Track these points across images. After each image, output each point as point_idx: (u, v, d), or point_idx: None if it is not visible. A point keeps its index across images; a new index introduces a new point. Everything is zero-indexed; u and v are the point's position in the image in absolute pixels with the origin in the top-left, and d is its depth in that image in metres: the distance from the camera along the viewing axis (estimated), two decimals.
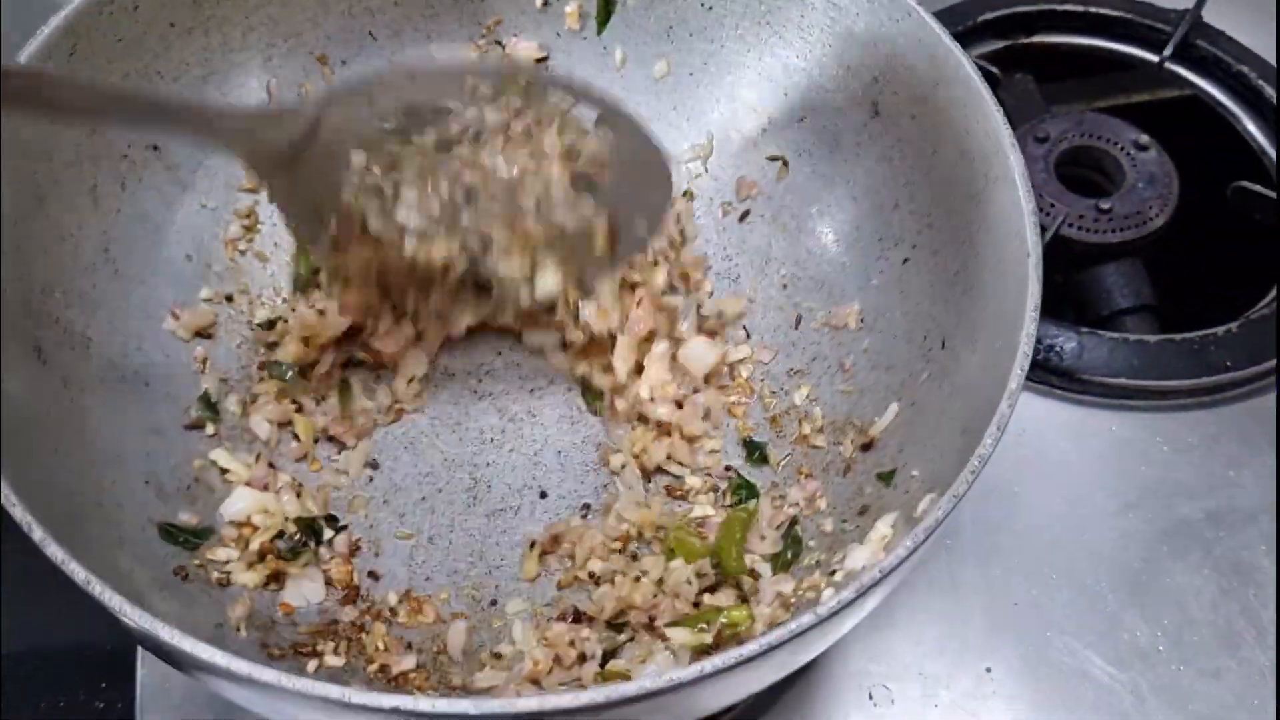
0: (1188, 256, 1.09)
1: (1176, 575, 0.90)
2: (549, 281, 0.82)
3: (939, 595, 0.89)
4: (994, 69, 1.14)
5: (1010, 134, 0.75)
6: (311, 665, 0.75)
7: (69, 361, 0.78)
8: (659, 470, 0.87)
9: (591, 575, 0.82)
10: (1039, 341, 0.97)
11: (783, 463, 0.87)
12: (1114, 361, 0.97)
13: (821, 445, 0.86)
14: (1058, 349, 0.97)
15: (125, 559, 0.71)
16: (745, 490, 0.85)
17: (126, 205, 0.84)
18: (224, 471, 0.83)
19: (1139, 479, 0.94)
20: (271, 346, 0.89)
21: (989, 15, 1.18)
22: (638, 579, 0.79)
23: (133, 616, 0.58)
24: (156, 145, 0.86)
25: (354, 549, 0.83)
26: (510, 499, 0.86)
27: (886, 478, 0.79)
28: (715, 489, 0.86)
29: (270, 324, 0.89)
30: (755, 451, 0.87)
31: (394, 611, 0.80)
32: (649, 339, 0.89)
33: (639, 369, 0.89)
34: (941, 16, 1.12)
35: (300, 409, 0.88)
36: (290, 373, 0.87)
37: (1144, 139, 1.09)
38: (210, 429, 0.85)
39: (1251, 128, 1.15)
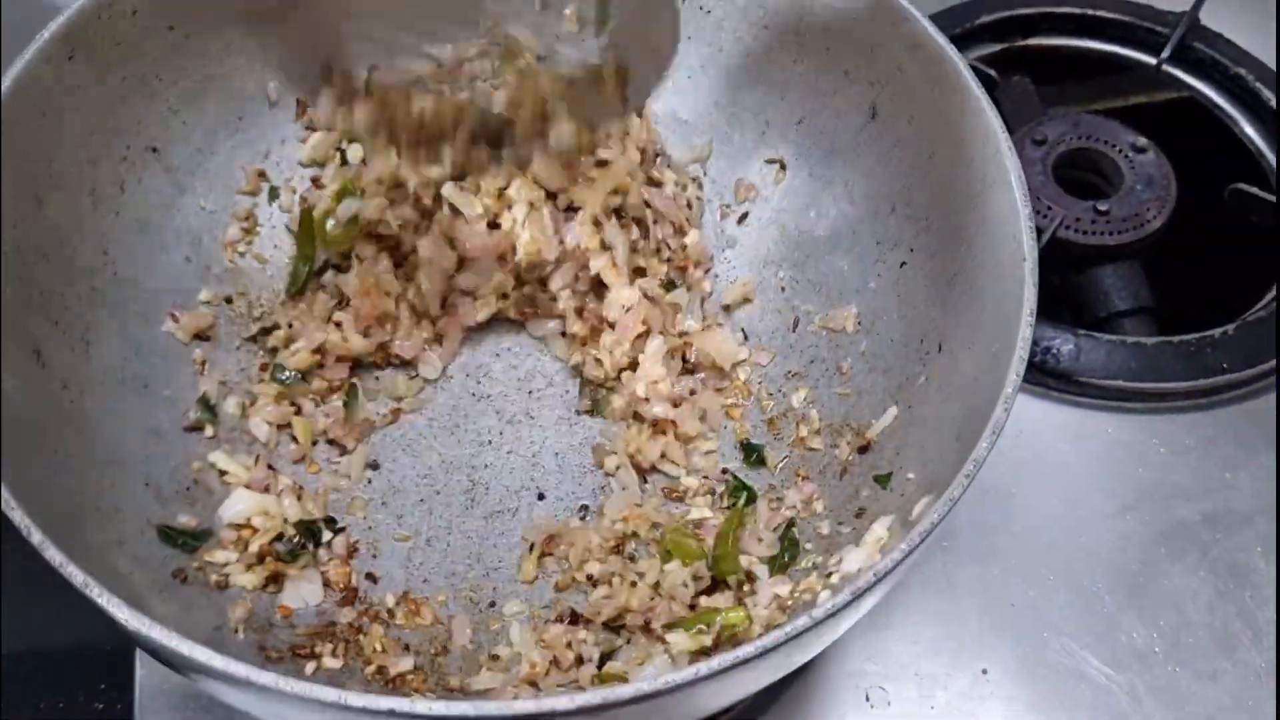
0: (1185, 259, 1.09)
1: (1173, 577, 0.90)
2: (563, 131, 0.78)
3: (936, 596, 0.89)
4: (992, 71, 1.14)
5: (1007, 138, 0.76)
6: (309, 667, 0.75)
7: (68, 363, 0.78)
8: (655, 471, 0.87)
9: (589, 578, 0.82)
10: (1036, 343, 0.97)
11: (780, 465, 0.87)
12: (1111, 364, 0.97)
13: (819, 448, 0.86)
14: (1055, 351, 0.97)
15: (124, 561, 0.72)
16: (742, 492, 0.85)
17: (126, 207, 0.85)
18: (223, 473, 0.83)
19: (1136, 481, 0.94)
20: (273, 351, 0.89)
21: (987, 18, 1.18)
22: (634, 583, 0.79)
23: (130, 620, 0.59)
24: (156, 147, 0.86)
25: (352, 551, 0.83)
26: (508, 501, 0.87)
27: (883, 480, 0.79)
28: (712, 491, 0.86)
29: (267, 330, 0.90)
30: (753, 454, 0.88)
31: (392, 613, 0.80)
32: (646, 335, 0.90)
33: (634, 365, 0.89)
34: (940, 19, 1.14)
35: (299, 411, 0.88)
36: (292, 375, 0.87)
37: (1142, 141, 1.09)
38: (209, 431, 0.85)
39: (1249, 130, 1.15)
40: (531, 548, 0.84)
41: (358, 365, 0.90)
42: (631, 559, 0.83)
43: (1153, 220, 1.05)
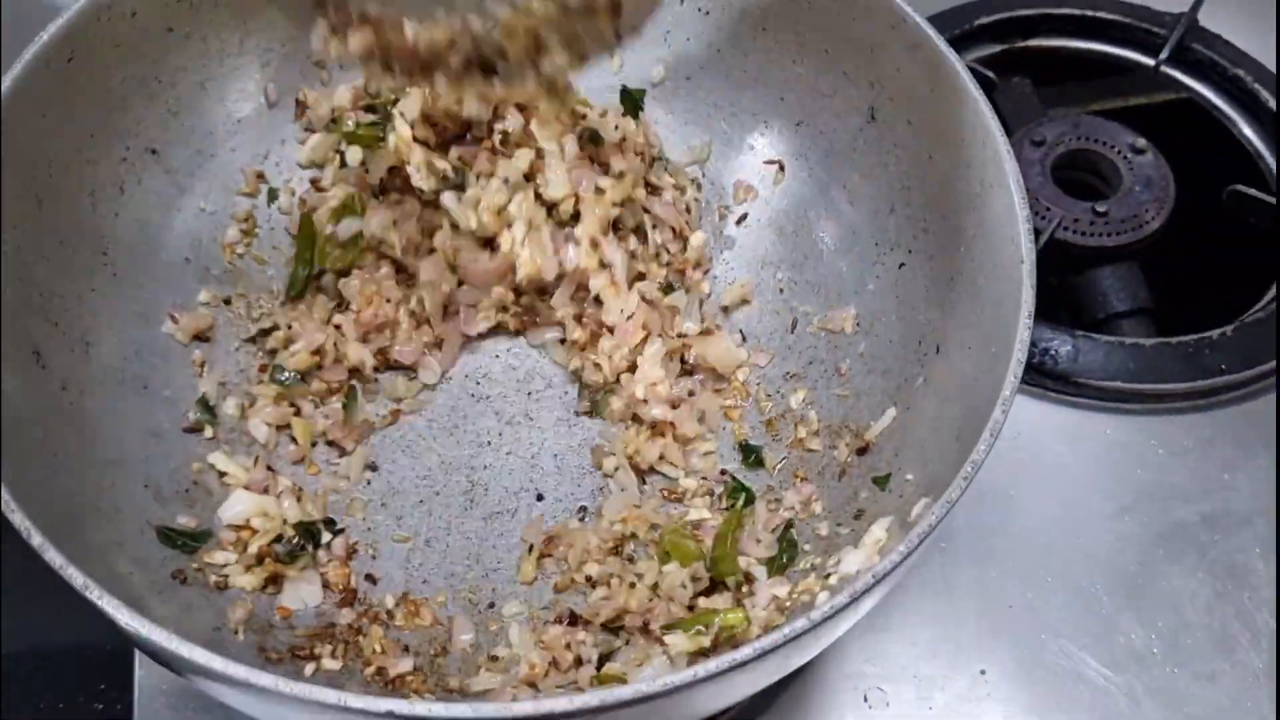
0: (1183, 260, 1.09)
1: (1171, 578, 0.90)
2: (556, 60, 0.78)
3: (934, 597, 0.89)
4: (991, 73, 1.14)
5: (1005, 140, 0.76)
6: (309, 668, 0.75)
7: (68, 365, 0.78)
8: (654, 472, 0.88)
9: (588, 579, 0.82)
10: (1034, 345, 0.97)
11: (778, 466, 0.87)
12: (1109, 365, 0.97)
13: (817, 449, 0.86)
14: (1053, 352, 0.98)
15: (123, 562, 0.72)
16: (741, 493, 0.85)
17: (125, 209, 0.85)
18: (222, 474, 0.83)
19: (1134, 482, 0.94)
20: (272, 352, 0.89)
21: (986, 19, 1.18)
22: (633, 584, 0.80)
23: (129, 621, 0.59)
24: (155, 149, 0.87)
25: (351, 552, 0.83)
26: (507, 502, 0.87)
27: (882, 482, 0.79)
28: (711, 492, 0.87)
29: (266, 332, 0.90)
30: (751, 455, 0.88)
31: (391, 614, 0.80)
32: (645, 338, 0.90)
33: (633, 368, 0.89)
34: (939, 20, 1.14)
35: (298, 412, 0.88)
36: (291, 376, 0.87)
37: (1140, 142, 1.09)
38: (209, 432, 0.85)
39: (1248, 131, 1.15)
40: (530, 549, 0.84)
41: (356, 372, 0.90)
42: (630, 560, 0.83)
43: (1151, 221, 1.06)
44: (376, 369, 0.90)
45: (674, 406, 0.88)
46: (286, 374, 0.87)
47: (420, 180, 0.88)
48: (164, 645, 0.58)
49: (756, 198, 0.95)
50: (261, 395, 0.87)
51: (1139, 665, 0.87)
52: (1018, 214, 0.73)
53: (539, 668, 0.76)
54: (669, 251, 0.93)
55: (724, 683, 0.60)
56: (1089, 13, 1.19)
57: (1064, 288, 1.08)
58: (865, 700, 0.85)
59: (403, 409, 0.90)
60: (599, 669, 0.77)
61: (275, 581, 0.80)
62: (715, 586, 0.80)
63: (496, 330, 0.93)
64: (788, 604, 0.75)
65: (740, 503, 0.85)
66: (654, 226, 0.92)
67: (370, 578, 0.83)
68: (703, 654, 0.74)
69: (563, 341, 0.92)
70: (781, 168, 0.94)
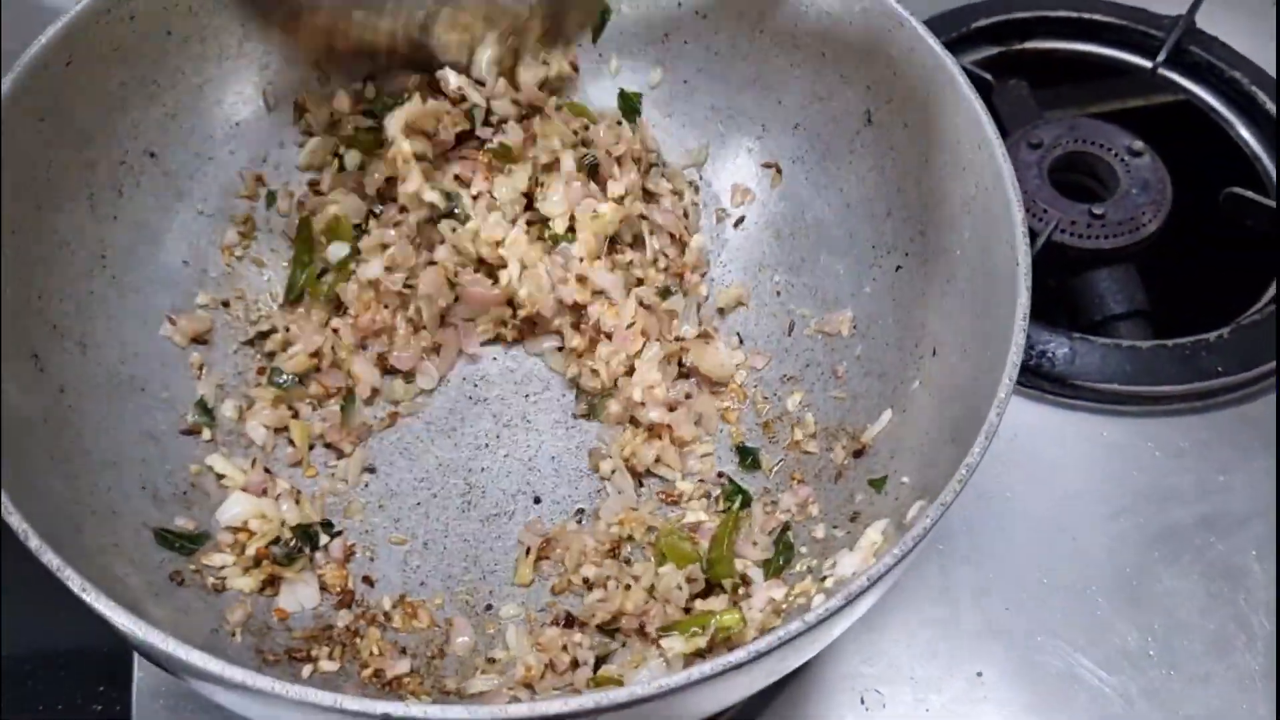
0: (1181, 262, 1.10)
1: (1167, 580, 0.90)
2: (486, 55, 0.86)
3: (931, 599, 0.89)
4: (988, 75, 1.14)
5: (1001, 144, 0.76)
6: (306, 670, 0.75)
7: (66, 367, 0.78)
8: (651, 475, 0.88)
9: (585, 581, 0.82)
10: (1032, 347, 0.97)
11: (775, 468, 0.87)
12: (1106, 367, 0.97)
13: (814, 451, 0.87)
14: (1050, 354, 0.98)
15: (121, 564, 0.72)
16: (737, 496, 0.85)
17: (124, 212, 0.85)
18: (220, 477, 0.84)
19: (1131, 484, 0.94)
20: (270, 355, 0.89)
21: (983, 22, 1.18)
22: (629, 586, 0.80)
23: (127, 624, 0.59)
24: (154, 152, 0.87)
25: (349, 554, 0.83)
26: (504, 504, 0.87)
27: (878, 484, 0.79)
28: (708, 494, 0.87)
29: (265, 334, 0.90)
30: (748, 457, 0.88)
31: (388, 616, 0.80)
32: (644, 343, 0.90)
33: (630, 371, 0.89)
34: (936, 23, 1.15)
35: (296, 414, 0.88)
36: (289, 379, 0.87)
37: (1137, 144, 1.10)
38: (206, 434, 0.85)
39: (1245, 133, 1.15)
40: (528, 551, 0.84)
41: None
42: (627, 562, 0.83)
43: (1148, 224, 1.06)
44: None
45: (671, 409, 0.88)
46: (284, 376, 0.88)
47: (416, 203, 0.88)
48: (161, 647, 0.58)
49: (753, 200, 0.95)
50: (259, 398, 0.87)
51: (1135, 667, 0.87)
52: (1014, 217, 0.73)
53: (535, 670, 0.76)
54: (666, 256, 0.93)
55: (720, 685, 0.60)
56: (1086, 15, 1.19)
57: (1061, 290, 1.08)
58: (862, 702, 0.85)
59: (400, 411, 0.90)
60: (595, 671, 0.77)
61: (273, 583, 0.80)
62: (712, 589, 0.80)
63: (495, 339, 0.94)
64: (784, 606, 0.75)
65: (737, 505, 0.85)
66: (651, 233, 0.92)
67: (368, 580, 0.83)
68: (699, 656, 0.74)
69: (560, 349, 0.92)
70: (779, 170, 0.94)
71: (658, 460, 0.87)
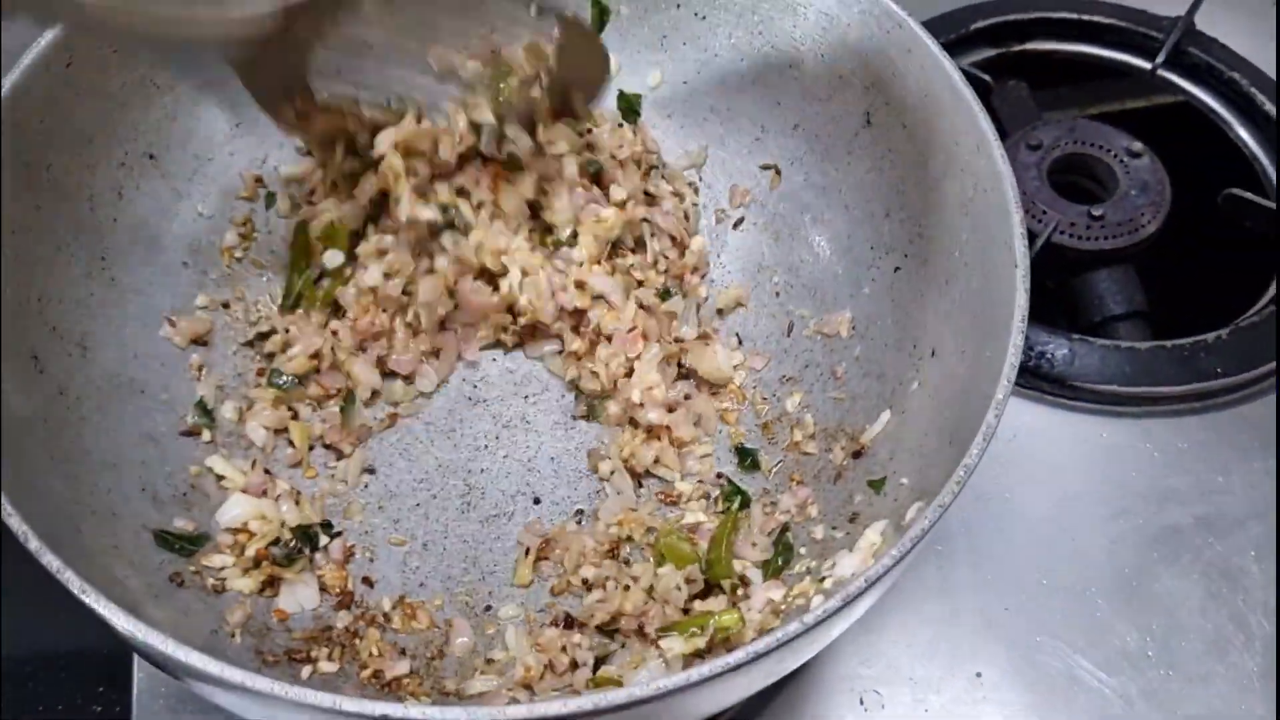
0: (1179, 263, 1.10)
1: (1166, 580, 0.90)
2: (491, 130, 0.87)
3: (930, 600, 0.89)
4: (987, 77, 1.14)
5: (999, 145, 0.76)
6: (305, 671, 0.75)
7: (66, 369, 0.78)
8: (650, 475, 0.88)
9: (584, 582, 0.82)
10: (1031, 348, 0.97)
11: (774, 469, 0.87)
12: (1105, 368, 0.97)
13: (813, 452, 0.87)
14: (1049, 355, 0.98)
15: (121, 566, 0.72)
16: (737, 497, 0.85)
17: (123, 214, 0.85)
18: (220, 478, 0.84)
19: (1130, 485, 0.94)
20: (270, 356, 0.89)
21: (982, 23, 1.18)
22: (628, 587, 0.80)
23: (126, 625, 0.59)
24: (153, 153, 0.87)
25: (348, 555, 0.83)
26: (504, 505, 0.87)
27: (877, 485, 0.79)
28: (707, 495, 0.87)
29: (264, 336, 0.90)
30: (747, 458, 0.88)
31: (388, 617, 0.81)
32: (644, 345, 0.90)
33: (630, 372, 0.89)
34: (935, 24, 1.15)
35: (296, 416, 0.88)
36: (289, 380, 0.88)
37: (1136, 146, 1.10)
38: (206, 436, 0.85)
39: (1243, 134, 1.15)
40: (527, 552, 0.84)
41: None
42: (626, 563, 0.83)
43: (1147, 225, 1.06)
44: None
45: (670, 410, 0.88)
46: (284, 378, 0.88)
47: (412, 221, 0.87)
48: (160, 648, 0.58)
49: (752, 202, 0.96)
50: (259, 399, 0.87)
51: (1134, 667, 0.87)
52: (1012, 218, 0.73)
53: (535, 670, 0.76)
54: (667, 258, 0.94)
55: (719, 685, 0.60)
56: (1086, 17, 1.19)
57: (1060, 291, 1.08)
58: (861, 703, 0.85)
59: (400, 413, 0.90)
60: (595, 672, 0.77)
61: (272, 584, 0.80)
62: (711, 589, 0.81)
63: (494, 344, 0.94)
64: (783, 607, 0.75)
65: (736, 506, 0.85)
66: (653, 235, 0.92)
67: (367, 580, 0.83)
68: (698, 657, 0.74)
69: (560, 353, 0.92)
70: (777, 172, 0.94)
71: (656, 461, 0.87)
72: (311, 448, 0.88)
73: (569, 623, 0.80)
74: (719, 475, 0.88)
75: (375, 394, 0.90)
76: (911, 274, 0.85)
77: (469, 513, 0.86)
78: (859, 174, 0.89)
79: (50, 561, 0.61)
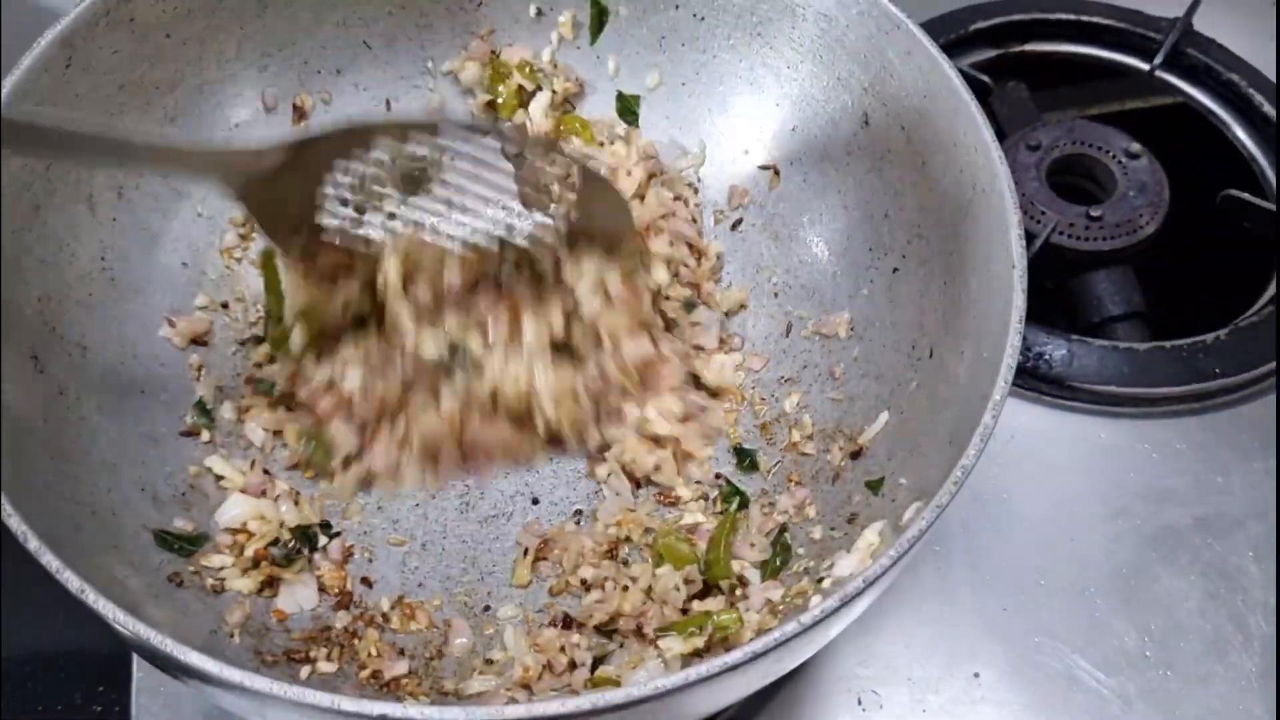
0: (1178, 264, 1.10)
1: (1165, 581, 0.91)
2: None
3: (928, 600, 0.89)
4: (986, 78, 1.14)
5: (998, 146, 0.76)
6: (304, 671, 0.76)
7: (66, 369, 0.79)
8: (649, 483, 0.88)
9: (583, 582, 0.82)
10: (1029, 348, 0.97)
11: (773, 470, 0.87)
12: (1104, 369, 0.98)
13: (811, 453, 0.87)
14: (1047, 356, 0.98)
15: (120, 566, 0.72)
16: (735, 497, 0.86)
17: (123, 214, 0.85)
18: (219, 478, 0.84)
19: (1128, 485, 0.95)
20: (258, 365, 0.89)
21: (981, 24, 1.18)
22: (626, 587, 0.80)
23: (126, 625, 0.59)
24: None
25: (347, 555, 0.84)
26: (502, 505, 0.87)
27: (875, 486, 0.80)
28: (705, 496, 0.87)
29: (261, 339, 0.90)
30: (745, 459, 0.88)
31: (386, 617, 0.81)
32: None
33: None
34: (934, 25, 1.15)
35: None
36: (277, 388, 0.87)
37: (1135, 147, 1.10)
38: (205, 436, 0.85)
39: (1242, 135, 1.15)
40: (526, 552, 0.84)
41: None
42: (625, 563, 0.83)
43: (1146, 225, 1.06)
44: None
45: (683, 421, 0.87)
46: (273, 387, 0.87)
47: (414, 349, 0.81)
48: (160, 648, 0.58)
49: (751, 202, 0.96)
50: (255, 401, 0.87)
51: (1132, 668, 0.87)
52: (1010, 219, 0.73)
53: (533, 671, 0.76)
54: (686, 266, 0.93)
55: (717, 685, 0.60)
56: (1084, 18, 1.19)
57: (1059, 292, 1.08)
58: (859, 703, 0.85)
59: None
60: (593, 672, 0.77)
61: (271, 585, 0.80)
62: (709, 590, 0.81)
63: None
64: (781, 607, 0.76)
65: (734, 506, 0.85)
66: (672, 244, 0.92)
67: (366, 581, 0.83)
68: (696, 657, 0.74)
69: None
70: (776, 172, 0.94)
71: (656, 469, 0.86)
72: None
73: (567, 623, 0.80)
74: (717, 476, 0.88)
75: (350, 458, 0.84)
76: (910, 275, 0.85)
77: (468, 513, 0.87)
78: (858, 175, 0.89)
79: (50, 561, 0.61)
